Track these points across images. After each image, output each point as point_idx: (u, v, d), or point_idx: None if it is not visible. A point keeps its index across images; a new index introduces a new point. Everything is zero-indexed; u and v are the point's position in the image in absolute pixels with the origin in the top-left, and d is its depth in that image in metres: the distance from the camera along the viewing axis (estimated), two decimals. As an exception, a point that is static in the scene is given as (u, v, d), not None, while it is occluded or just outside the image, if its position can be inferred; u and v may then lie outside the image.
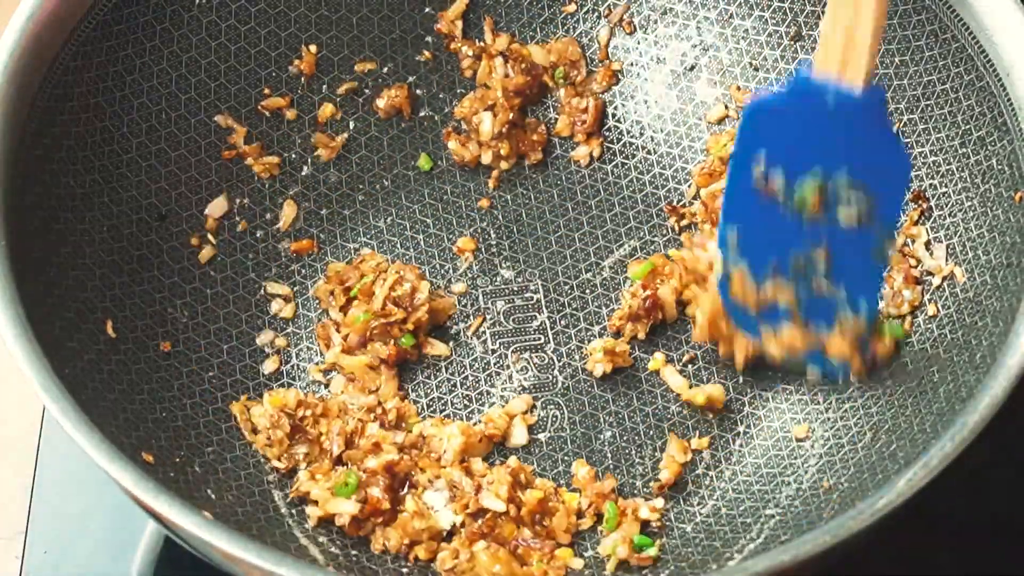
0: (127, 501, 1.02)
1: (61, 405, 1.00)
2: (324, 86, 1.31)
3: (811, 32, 1.27)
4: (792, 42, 1.28)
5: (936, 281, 1.17)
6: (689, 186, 1.30)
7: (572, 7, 1.34)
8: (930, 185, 1.20)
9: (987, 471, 1.18)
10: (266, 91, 1.29)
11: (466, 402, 1.22)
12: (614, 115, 1.33)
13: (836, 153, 1.09)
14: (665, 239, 1.29)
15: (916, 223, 1.20)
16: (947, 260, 1.16)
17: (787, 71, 1.28)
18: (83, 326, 1.13)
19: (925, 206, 1.20)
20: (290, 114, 1.30)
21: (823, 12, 1.03)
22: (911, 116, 1.22)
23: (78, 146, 1.18)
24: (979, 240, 1.15)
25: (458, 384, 1.22)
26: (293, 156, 1.30)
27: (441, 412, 1.21)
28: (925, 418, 1.10)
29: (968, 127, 1.17)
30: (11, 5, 1.15)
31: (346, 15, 1.31)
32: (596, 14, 1.34)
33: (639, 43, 1.33)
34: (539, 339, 1.25)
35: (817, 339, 1.16)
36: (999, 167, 1.14)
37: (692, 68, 1.32)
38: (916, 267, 1.18)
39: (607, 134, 1.33)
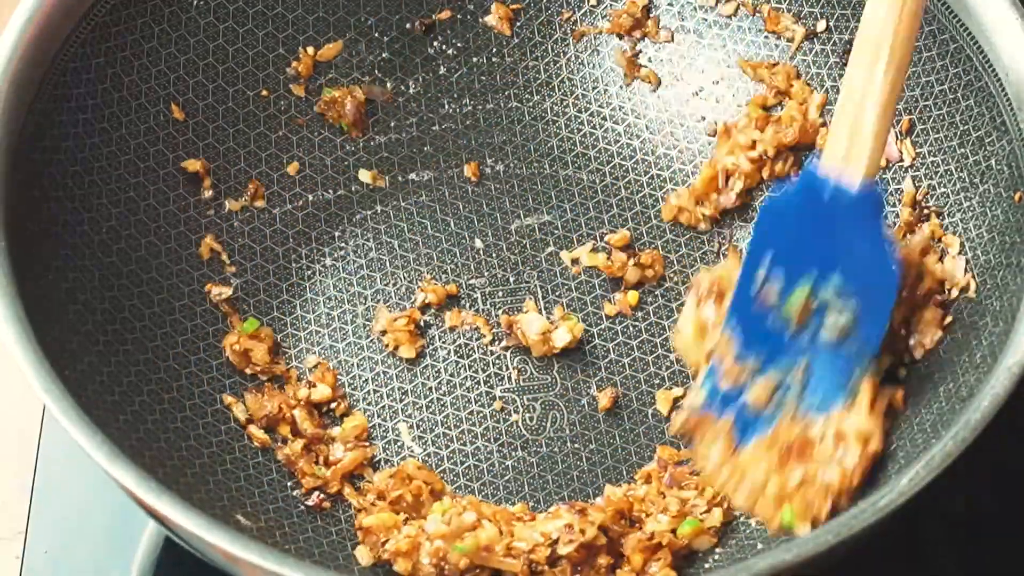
0: (127, 501, 1.02)
1: (62, 406, 1.00)
2: (321, 87, 1.31)
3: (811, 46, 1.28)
4: (796, 51, 1.28)
5: (954, 293, 1.16)
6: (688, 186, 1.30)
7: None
8: (929, 186, 1.20)
9: (988, 471, 1.18)
10: (264, 93, 1.29)
11: (465, 402, 1.22)
12: (612, 117, 1.33)
13: (830, 255, 1.09)
14: (659, 233, 1.29)
15: (944, 232, 1.19)
16: (965, 271, 1.16)
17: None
18: (83, 327, 1.13)
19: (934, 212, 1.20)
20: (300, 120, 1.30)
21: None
22: (910, 117, 1.22)
23: (77, 147, 1.18)
24: (978, 240, 1.15)
25: (457, 385, 1.23)
26: (292, 157, 1.30)
27: (441, 412, 1.21)
28: (925, 418, 1.10)
29: (967, 127, 1.17)
30: (10, 6, 1.15)
31: (344, 17, 1.31)
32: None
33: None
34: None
35: None
36: (998, 167, 1.14)
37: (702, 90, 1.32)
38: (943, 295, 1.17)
39: (606, 134, 1.33)
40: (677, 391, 1.21)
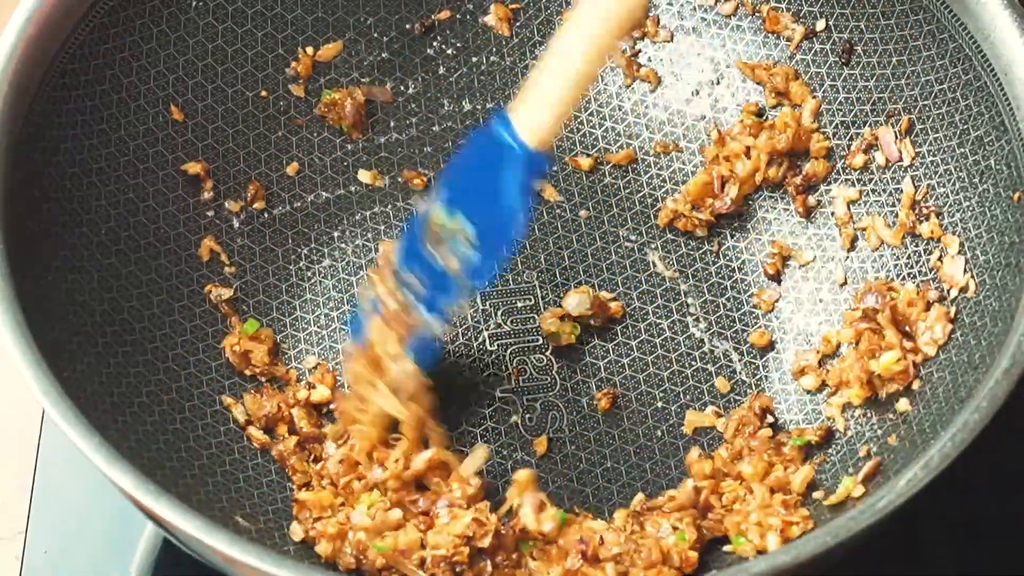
0: (127, 501, 1.02)
1: (60, 408, 1.00)
2: (321, 88, 1.31)
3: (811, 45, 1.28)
4: (795, 51, 1.28)
5: (953, 293, 1.16)
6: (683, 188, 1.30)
7: None
8: (928, 185, 1.20)
9: (986, 472, 1.18)
10: (263, 93, 1.29)
11: (465, 403, 1.22)
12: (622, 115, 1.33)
13: (474, 197, 1.14)
14: (658, 233, 1.29)
15: (943, 231, 1.19)
16: (964, 271, 1.16)
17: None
18: (82, 328, 1.13)
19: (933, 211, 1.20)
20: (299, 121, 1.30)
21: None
22: (909, 116, 1.22)
23: (75, 149, 1.18)
24: (977, 240, 1.15)
25: (456, 386, 1.23)
26: (293, 157, 1.30)
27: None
28: (924, 418, 1.10)
29: (966, 127, 1.17)
30: (9, 7, 1.15)
31: (343, 17, 1.31)
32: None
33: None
34: (538, 340, 1.25)
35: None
36: (997, 167, 1.14)
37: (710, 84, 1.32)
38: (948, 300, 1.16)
39: (606, 134, 1.33)
40: (707, 413, 1.20)
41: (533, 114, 1.11)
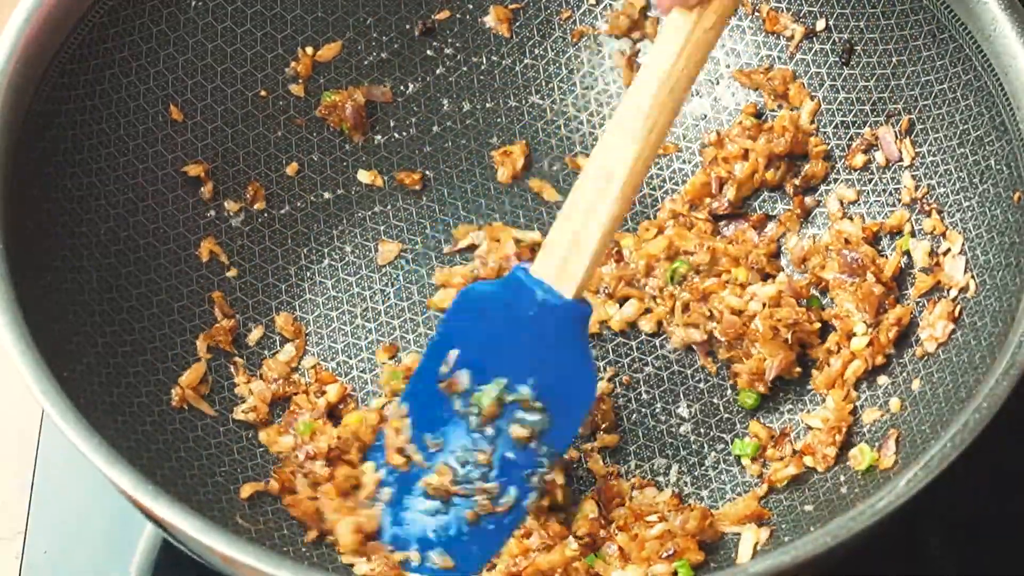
0: (127, 502, 1.02)
1: (59, 408, 1.00)
2: (321, 88, 1.31)
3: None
4: (795, 51, 1.28)
5: (953, 293, 1.16)
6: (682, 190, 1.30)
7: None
8: (928, 185, 1.20)
9: (986, 472, 1.18)
10: (263, 93, 1.29)
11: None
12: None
13: (526, 361, 1.09)
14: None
15: (945, 230, 1.19)
16: (964, 271, 1.16)
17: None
18: (81, 328, 1.13)
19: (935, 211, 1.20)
20: (299, 121, 1.30)
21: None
22: (909, 116, 1.22)
23: (75, 149, 1.18)
24: (977, 240, 1.15)
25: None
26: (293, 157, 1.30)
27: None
28: (924, 419, 1.10)
29: (966, 127, 1.17)
30: (9, 7, 1.15)
31: (343, 17, 1.31)
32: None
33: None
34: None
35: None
36: (997, 167, 1.14)
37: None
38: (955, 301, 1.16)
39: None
40: (751, 443, 1.20)
41: (568, 265, 1.07)
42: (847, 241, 1.21)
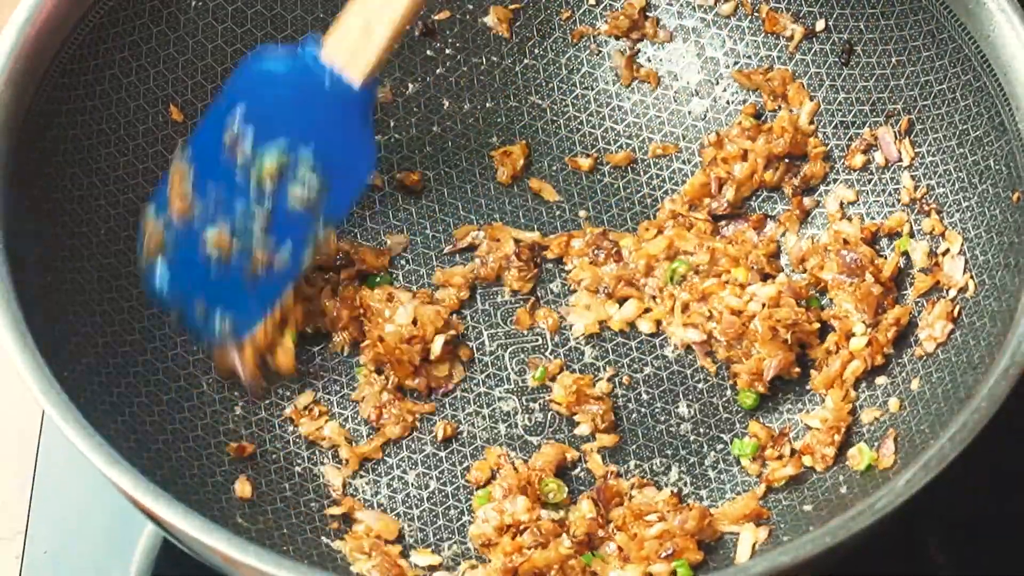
0: (127, 502, 1.02)
1: (60, 408, 1.00)
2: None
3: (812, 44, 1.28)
4: (795, 51, 1.28)
5: (952, 293, 1.16)
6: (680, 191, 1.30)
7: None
8: (927, 185, 1.20)
9: (985, 472, 1.18)
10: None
11: (465, 403, 1.22)
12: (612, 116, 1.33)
13: (309, 132, 1.14)
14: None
15: (944, 229, 1.19)
16: (964, 271, 1.16)
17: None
18: (81, 329, 1.13)
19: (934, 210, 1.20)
20: None
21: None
22: (908, 116, 1.22)
23: (75, 148, 1.18)
24: (977, 240, 1.15)
25: (456, 385, 1.23)
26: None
27: (440, 412, 1.22)
28: (924, 419, 1.10)
29: (965, 127, 1.17)
30: (9, 7, 1.15)
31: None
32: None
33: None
34: (537, 340, 1.25)
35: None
36: (996, 167, 1.14)
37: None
38: (953, 300, 1.16)
39: (605, 134, 1.33)
40: (750, 442, 1.19)
41: (358, 51, 1.12)
42: (846, 241, 1.22)
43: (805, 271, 1.24)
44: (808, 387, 1.20)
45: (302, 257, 1.18)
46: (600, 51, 1.34)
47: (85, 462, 1.00)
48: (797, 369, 1.20)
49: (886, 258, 1.21)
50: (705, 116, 1.32)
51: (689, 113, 1.32)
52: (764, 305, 1.20)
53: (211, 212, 1.16)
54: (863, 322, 1.19)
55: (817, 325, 1.20)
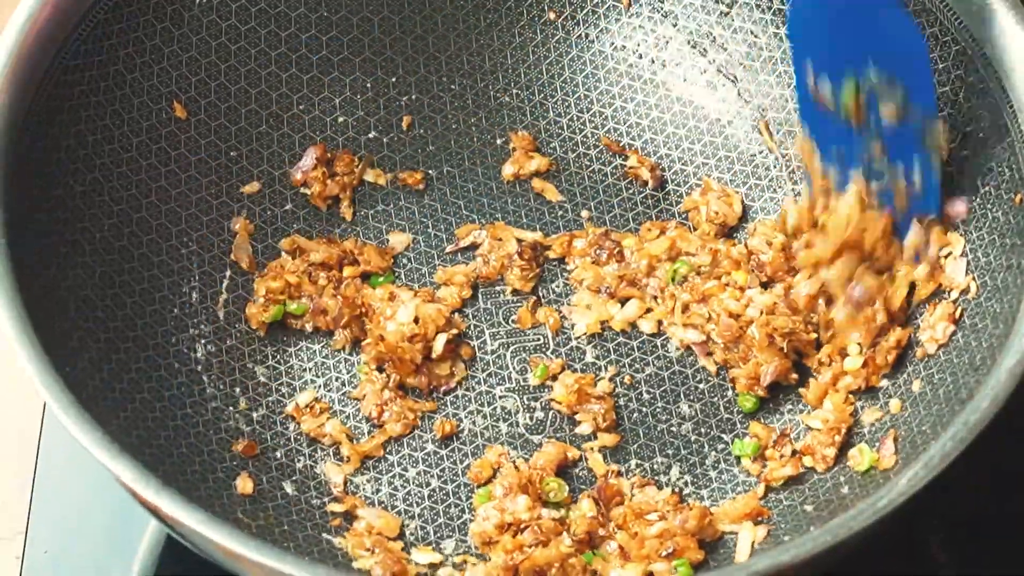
0: (128, 500, 1.02)
1: (62, 403, 1.00)
2: (323, 87, 1.31)
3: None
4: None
5: (954, 295, 1.16)
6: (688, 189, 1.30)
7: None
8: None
9: (987, 471, 1.18)
10: (266, 90, 1.29)
11: (465, 402, 1.22)
12: (614, 117, 1.33)
13: (862, 49, 1.15)
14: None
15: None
16: (966, 273, 1.16)
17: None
18: (84, 324, 1.13)
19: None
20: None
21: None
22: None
23: (78, 144, 1.18)
24: (978, 242, 1.15)
25: (457, 384, 1.23)
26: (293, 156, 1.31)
27: (441, 412, 1.22)
28: (925, 419, 1.10)
29: (968, 129, 1.17)
30: (10, 5, 1.15)
31: (346, 16, 1.31)
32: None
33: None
34: (539, 339, 1.25)
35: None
36: (999, 169, 1.14)
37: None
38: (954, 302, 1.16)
39: (607, 135, 1.33)
40: (751, 443, 1.19)
41: None
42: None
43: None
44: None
45: (932, 165, 1.18)
46: (602, 50, 1.34)
47: (86, 462, 1.00)
48: (795, 375, 1.20)
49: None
50: (708, 117, 1.32)
51: (692, 114, 1.32)
52: (762, 312, 1.20)
53: (844, 171, 1.19)
54: (858, 343, 1.19)
55: (814, 335, 1.20)
